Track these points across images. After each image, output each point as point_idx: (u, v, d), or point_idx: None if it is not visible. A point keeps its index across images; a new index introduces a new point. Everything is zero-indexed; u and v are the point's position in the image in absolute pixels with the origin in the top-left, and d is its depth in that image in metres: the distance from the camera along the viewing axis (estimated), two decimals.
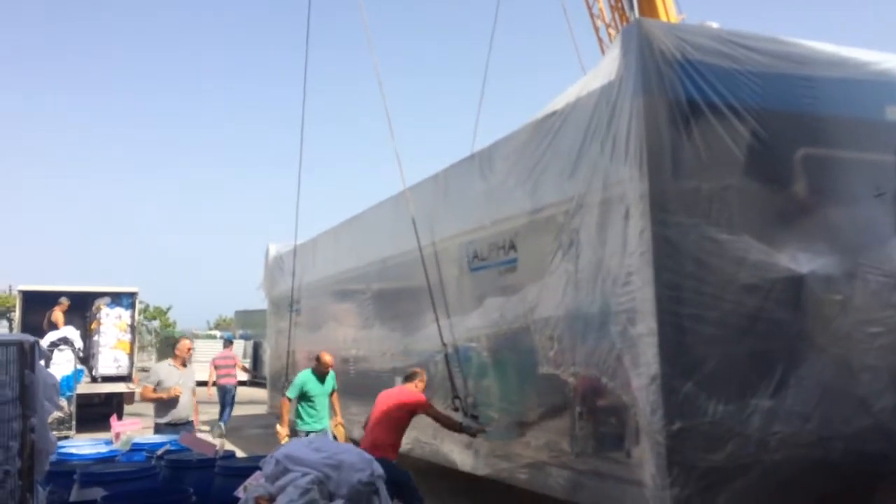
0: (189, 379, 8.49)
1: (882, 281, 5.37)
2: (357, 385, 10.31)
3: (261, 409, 16.66)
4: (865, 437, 5.11)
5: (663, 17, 13.02)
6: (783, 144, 5.35)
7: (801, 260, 5.15)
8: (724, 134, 5.15)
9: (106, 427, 7.70)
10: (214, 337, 34.62)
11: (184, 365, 8.54)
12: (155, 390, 8.20)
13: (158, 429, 8.05)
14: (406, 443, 8.46)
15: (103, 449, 6.22)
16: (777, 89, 5.40)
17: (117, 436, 6.75)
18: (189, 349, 8.80)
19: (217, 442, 5.86)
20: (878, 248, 5.46)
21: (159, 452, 5.93)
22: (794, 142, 5.41)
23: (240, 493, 4.67)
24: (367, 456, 4.82)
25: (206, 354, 29.05)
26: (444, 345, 7.45)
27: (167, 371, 8.38)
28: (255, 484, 4.52)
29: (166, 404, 8.11)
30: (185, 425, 8.00)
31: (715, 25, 5.75)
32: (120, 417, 12.75)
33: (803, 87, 5.51)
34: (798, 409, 4.95)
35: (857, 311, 5.27)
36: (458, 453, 7.18)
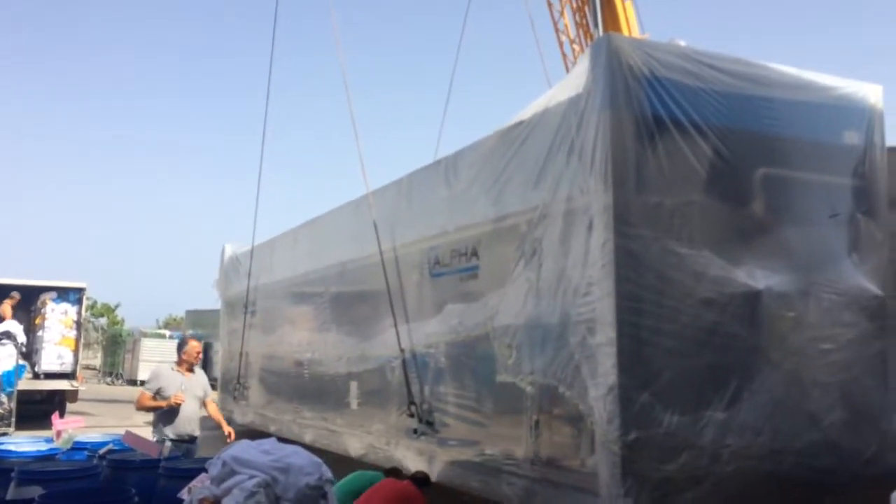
0: (196, 387, 7.18)
1: (834, 299, 5.51)
2: (311, 389, 10.20)
3: None
4: (814, 451, 5.22)
5: (626, 35, 13.21)
6: (744, 163, 5.46)
7: (757, 276, 5.25)
8: (687, 150, 5.23)
9: (47, 425, 7.45)
10: (164, 336, 33.92)
11: (190, 370, 7.26)
12: (154, 398, 6.98)
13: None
14: (359, 448, 8.39)
15: (43, 447, 6.02)
16: (740, 109, 5.51)
17: (58, 434, 6.55)
18: (198, 353, 7.39)
19: (166, 445, 5.70)
20: (832, 267, 5.61)
21: (101, 452, 5.77)
22: (755, 161, 5.53)
23: (184, 494, 4.56)
24: (317, 459, 4.74)
25: (154, 353, 28.57)
26: (402, 350, 7.39)
27: (170, 377, 7.10)
28: (200, 486, 4.42)
29: (166, 415, 6.94)
30: (190, 442, 6.93)
31: (682, 43, 5.84)
32: (62, 415, 12.38)
33: (765, 109, 5.63)
34: (750, 423, 5.04)
35: (809, 327, 5.40)
36: (411, 459, 7.12)
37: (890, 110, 6.15)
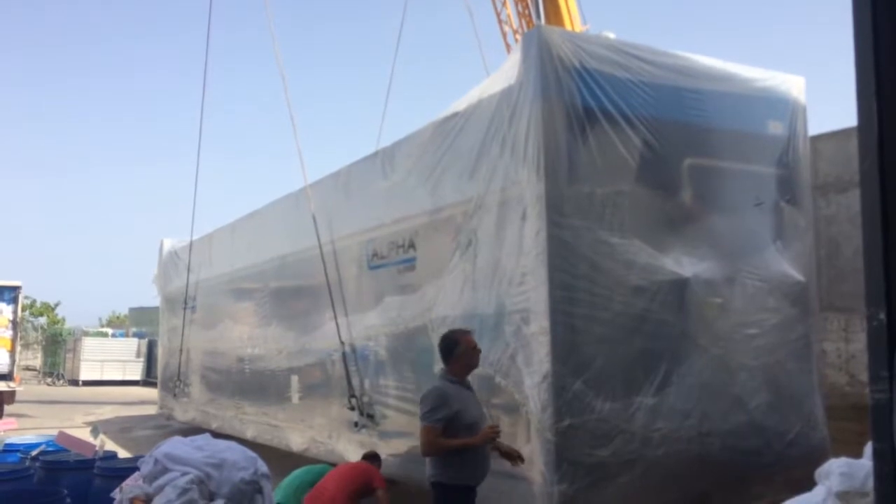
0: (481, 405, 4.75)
1: (759, 285, 5.69)
2: (253, 384, 10.09)
3: (152, 410, 16.08)
4: (741, 433, 5.39)
5: (568, 27, 13.33)
6: (672, 153, 5.58)
7: (685, 264, 5.38)
8: (617, 141, 5.32)
9: None
10: (106, 335, 33.13)
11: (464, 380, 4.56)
12: (446, 431, 4.25)
13: (449, 496, 4.35)
14: (301, 442, 8.35)
15: None
16: (667, 100, 5.62)
17: None
18: (475, 349, 4.55)
19: (97, 442, 5.60)
20: (757, 254, 5.78)
21: (34, 453, 5.65)
22: (682, 151, 5.65)
23: (116, 493, 4.49)
24: (252, 454, 4.71)
25: (96, 352, 27.89)
26: (342, 343, 7.37)
27: (462, 396, 4.41)
28: (132, 484, 4.36)
29: (468, 455, 4.33)
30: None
31: (612, 36, 5.94)
32: None
33: (692, 100, 5.76)
34: (679, 407, 5.18)
35: (735, 313, 5.56)
36: (353, 453, 7.10)
37: (812, 101, 6.36)
